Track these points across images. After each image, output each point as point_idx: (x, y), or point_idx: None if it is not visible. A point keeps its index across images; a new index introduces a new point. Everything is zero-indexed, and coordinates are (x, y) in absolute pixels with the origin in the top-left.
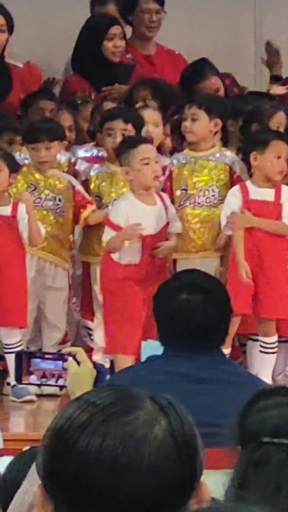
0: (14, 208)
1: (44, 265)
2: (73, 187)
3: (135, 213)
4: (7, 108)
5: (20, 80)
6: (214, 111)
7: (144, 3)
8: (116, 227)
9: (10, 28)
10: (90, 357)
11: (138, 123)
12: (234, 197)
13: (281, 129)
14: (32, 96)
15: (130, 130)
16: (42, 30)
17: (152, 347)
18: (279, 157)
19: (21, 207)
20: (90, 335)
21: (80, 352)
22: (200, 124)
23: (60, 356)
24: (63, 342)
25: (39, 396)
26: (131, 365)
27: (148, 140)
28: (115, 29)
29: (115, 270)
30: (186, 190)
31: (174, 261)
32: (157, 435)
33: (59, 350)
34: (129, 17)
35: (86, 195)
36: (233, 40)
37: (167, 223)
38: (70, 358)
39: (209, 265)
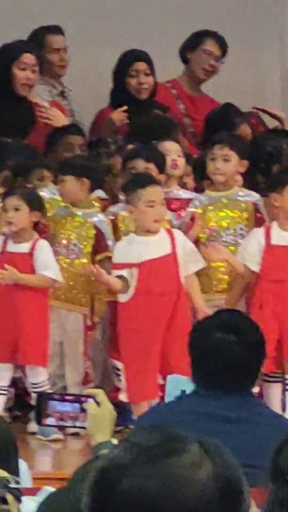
0: (33, 246)
1: (58, 310)
2: (99, 230)
3: (132, 245)
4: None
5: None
6: (244, 153)
7: (208, 45)
8: (117, 266)
9: (40, 69)
10: (117, 397)
11: (160, 162)
12: (254, 239)
13: None
14: (60, 131)
15: (152, 169)
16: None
17: (177, 382)
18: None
19: (40, 244)
20: (118, 375)
21: (100, 393)
22: (232, 165)
23: (78, 398)
24: (85, 382)
25: (66, 434)
26: (160, 404)
27: (157, 182)
28: (139, 65)
29: (121, 311)
30: (211, 229)
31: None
32: (201, 478)
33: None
34: (188, 55)
35: (108, 237)
36: (257, 75)
37: (172, 255)
38: (90, 400)
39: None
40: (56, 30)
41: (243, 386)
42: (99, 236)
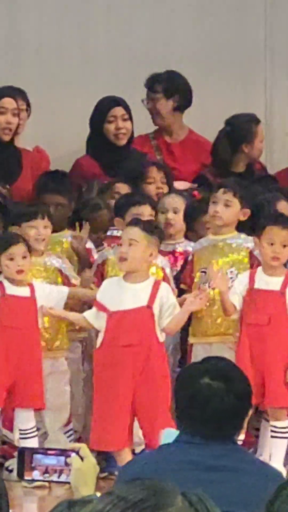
0: (32, 289)
1: None
2: (61, 272)
3: (112, 287)
4: (17, 191)
5: (30, 164)
6: (247, 201)
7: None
8: (95, 303)
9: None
10: None
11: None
12: (239, 283)
13: None
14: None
15: (153, 215)
16: (50, 116)
17: (171, 435)
18: (272, 244)
19: (39, 288)
20: None
21: (83, 447)
22: (232, 211)
23: (62, 452)
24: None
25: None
26: (144, 453)
27: (136, 223)
28: (116, 111)
29: (95, 354)
30: (205, 272)
31: (191, 345)
32: None
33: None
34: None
35: (73, 277)
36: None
37: (148, 308)
38: (73, 454)
39: (227, 349)
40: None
41: (229, 434)
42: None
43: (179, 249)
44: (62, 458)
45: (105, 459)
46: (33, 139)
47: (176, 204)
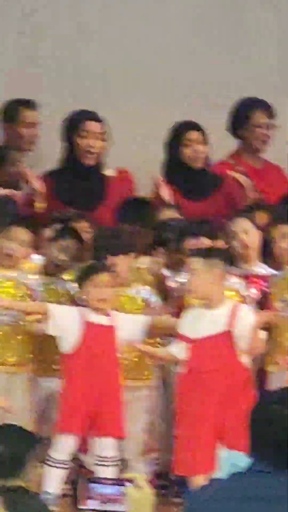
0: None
1: None
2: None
3: (191, 317)
4: (99, 217)
5: (114, 188)
6: None
7: (259, 118)
8: (179, 336)
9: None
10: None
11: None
12: None
13: None
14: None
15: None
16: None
17: (232, 457)
18: None
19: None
20: None
21: (139, 478)
22: None
23: (119, 481)
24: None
25: None
26: (216, 480)
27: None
28: (192, 134)
29: (178, 381)
30: (284, 301)
31: (265, 373)
32: None
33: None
34: (239, 132)
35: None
36: None
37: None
38: (129, 484)
39: None
40: (31, 105)
41: None
42: None
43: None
44: (118, 488)
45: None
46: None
47: (246, 226)
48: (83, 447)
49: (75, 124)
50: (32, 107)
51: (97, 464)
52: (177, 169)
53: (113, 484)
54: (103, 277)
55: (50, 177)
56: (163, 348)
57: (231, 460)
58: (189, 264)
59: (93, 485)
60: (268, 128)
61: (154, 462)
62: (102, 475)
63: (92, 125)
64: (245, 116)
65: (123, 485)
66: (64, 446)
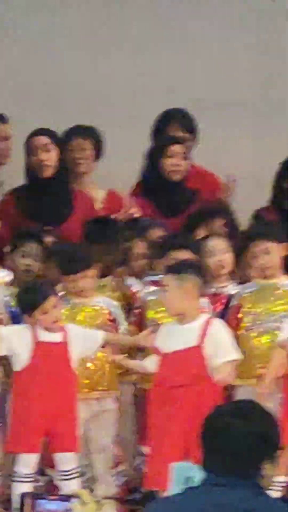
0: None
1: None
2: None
3: (165, 331)
4: (66, 231)
5: (86, 205)
6: (282, 236)
7: (172, 131)
8: (154, 350)
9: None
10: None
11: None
12: None
13: None
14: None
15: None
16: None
17: (183, 469)
18: None
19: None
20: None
21: (84, 494)
22: (273, 256)
23: (65, 497)
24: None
25: None
26: (169, 496)
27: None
28: (175, 147)
29: (148, 395)
30: (253, 316)
31: (233, 387)
32: None
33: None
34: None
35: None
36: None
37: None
38: (75, 500)
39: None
40: (1, 118)
41: (247, 475)
42: None
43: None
44: (65, 504)
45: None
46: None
47: (224, 246)
48: (51, 463)
49: (26, 141)
50: (2, 121)
51: (60, 479)
52: (156, 181)
53: (60, 500)
54: (51, 301)
55: (12, 195)
56: (136, 361)
57: (185, 473)
58: (162, 281)
59: (39, 501)
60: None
61: (122, 475)
62: (66, 489)
63: (36, 140)
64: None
65: (68, 501)
66: (26, 461)
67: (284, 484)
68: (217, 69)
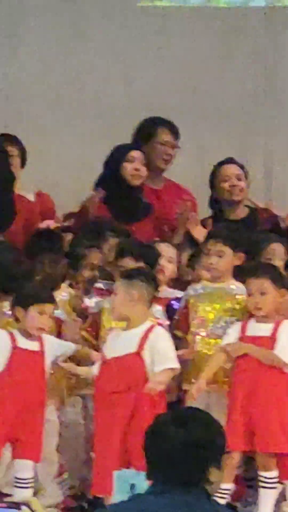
0: (41, 343)
1: None
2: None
3: (112, 337)
4: (10, 237)
5: (27, 209)
6: (240, 245)
7: (162, 135)
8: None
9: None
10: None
11: (151, 260)
12: (232, 330)
13: (276, 261)
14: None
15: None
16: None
17: (125, 476)
18: (249, 295)
19: (48, 341)
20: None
21: (34, 502)
22: (225, 261)
23: (14, 505)
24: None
25: None
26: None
27: (54, 301)
28: (136, 153)
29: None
30: (201, 319)
31: (185, 391)
32: None
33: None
34: (143, 149)
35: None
36: None
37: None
38: (24, 507)
39: (220, 398)
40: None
41: (194, 481)
42: None
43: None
44: (13, 511)
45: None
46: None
47: (171, 254)
48: None
49: None
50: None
51: (15, 486)
52: (115, 186)
53: (8, 507)
54: (50, 308)
55: None
56: (85, 367)
57: (128, 480)
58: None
59: None
60: (171, 147)
61: (66, 483)
62: (17, 497)
63: None
64: (148, 132)
65: (19, 508)
66: None
67: (229, 491)
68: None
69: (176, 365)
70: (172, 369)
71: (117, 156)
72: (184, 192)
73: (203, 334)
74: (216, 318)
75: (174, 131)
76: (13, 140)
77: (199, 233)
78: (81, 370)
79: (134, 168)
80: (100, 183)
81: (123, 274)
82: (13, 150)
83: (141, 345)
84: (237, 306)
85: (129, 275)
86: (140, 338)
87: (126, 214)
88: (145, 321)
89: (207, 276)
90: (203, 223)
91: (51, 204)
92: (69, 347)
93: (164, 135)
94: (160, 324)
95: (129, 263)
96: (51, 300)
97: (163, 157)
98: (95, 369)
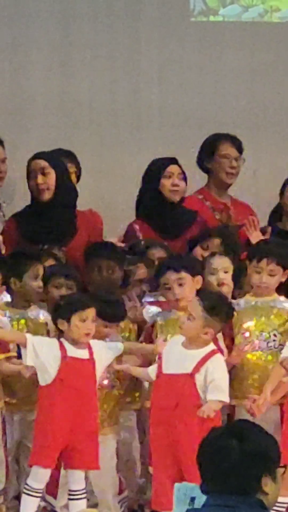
0: (90, 351)
1: None
2: None
3: (172, 348)
4: (71, 252)
5: (85, 225)
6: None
7: (223, 149)
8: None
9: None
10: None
11: (194, 271)
12: None
13: None
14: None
15: (184, 277)
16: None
17: (186, 489)
18: None
19: (96, 347)
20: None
21: None
22: (276, 279)
23: None
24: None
25: None
26: None
27: (94, 305)
28: (173, 168)
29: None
30: (245, 334)
31: (233, 407)
32: None
33: None
34: (208, 165)
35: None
36: None
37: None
38: None
39: (269, 413)
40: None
41: (249, 493)
42: None
43: None
44: None
45: None
46: (87, 202)
47: (227, 264)
48: (51, 490)
49: (27, 164)
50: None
51: (69, 499)
52: (154, 203)
53: None
54: (91, 312)
55: (13, 219)
56: (141, 368)
57: (188, 493)
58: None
59: None
60: (235, 160)
61: (125, 501)
62: (74, 510)
63: (34, 164)
64: (212, 147)
65: None
66: (40, 476)
67: (286, 505)
68: None
69: (227, 399)
70: (221, 402)
71: (155, 171)
72: (248, 208)
73: (249, 349)
74: (261, 332)
75: (236, 144)
76: (71, 156)
77: (256, 238)
78: (138, 371)
79: (172, 184)
80: (140, 199)
81: (206, 307)
82: (72, 167)
83: (196, 368)
84: (282, 321)
85: (212, 307)
86: (198, 361)
87: (168, 231)
88: (208, 344)
89: (262, 292)
90: (262, 230)
91: (100, 223)
92: (117, 348)
93: (226, 149)
94: (220, 351)
95: (171, 276)
96: (90, 305)
97: (227, 170)
98: (152, 373)
